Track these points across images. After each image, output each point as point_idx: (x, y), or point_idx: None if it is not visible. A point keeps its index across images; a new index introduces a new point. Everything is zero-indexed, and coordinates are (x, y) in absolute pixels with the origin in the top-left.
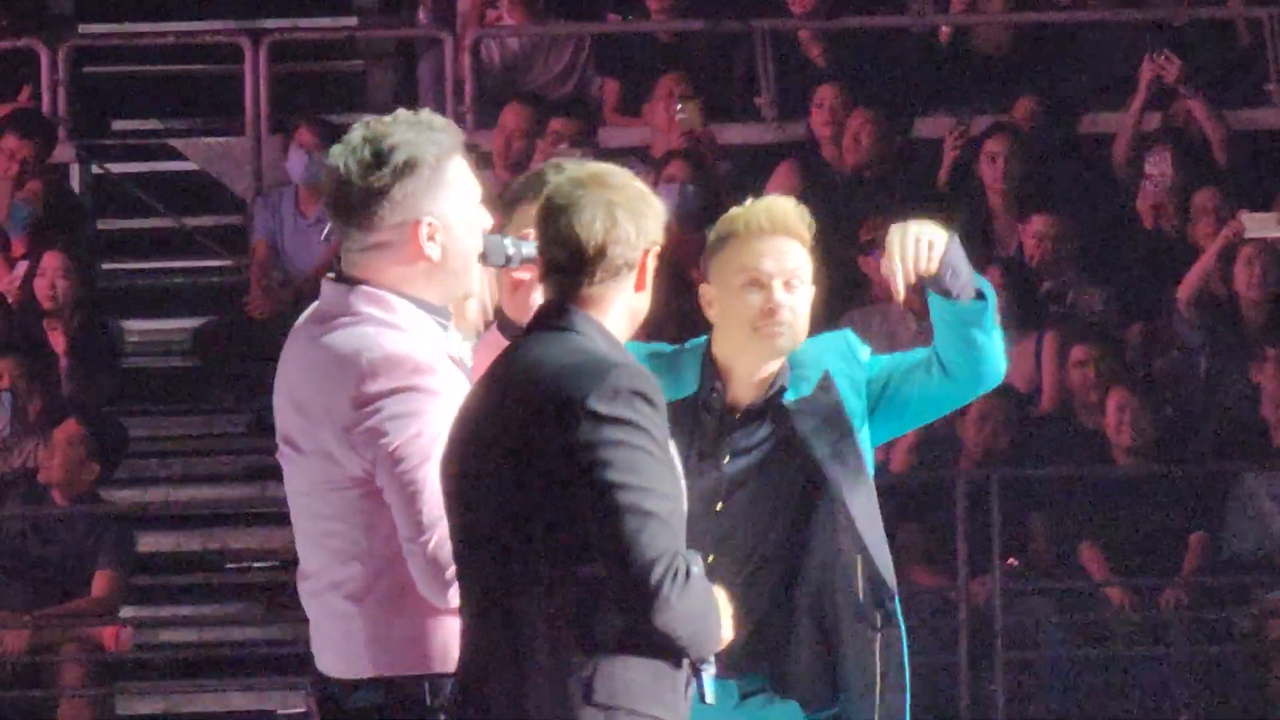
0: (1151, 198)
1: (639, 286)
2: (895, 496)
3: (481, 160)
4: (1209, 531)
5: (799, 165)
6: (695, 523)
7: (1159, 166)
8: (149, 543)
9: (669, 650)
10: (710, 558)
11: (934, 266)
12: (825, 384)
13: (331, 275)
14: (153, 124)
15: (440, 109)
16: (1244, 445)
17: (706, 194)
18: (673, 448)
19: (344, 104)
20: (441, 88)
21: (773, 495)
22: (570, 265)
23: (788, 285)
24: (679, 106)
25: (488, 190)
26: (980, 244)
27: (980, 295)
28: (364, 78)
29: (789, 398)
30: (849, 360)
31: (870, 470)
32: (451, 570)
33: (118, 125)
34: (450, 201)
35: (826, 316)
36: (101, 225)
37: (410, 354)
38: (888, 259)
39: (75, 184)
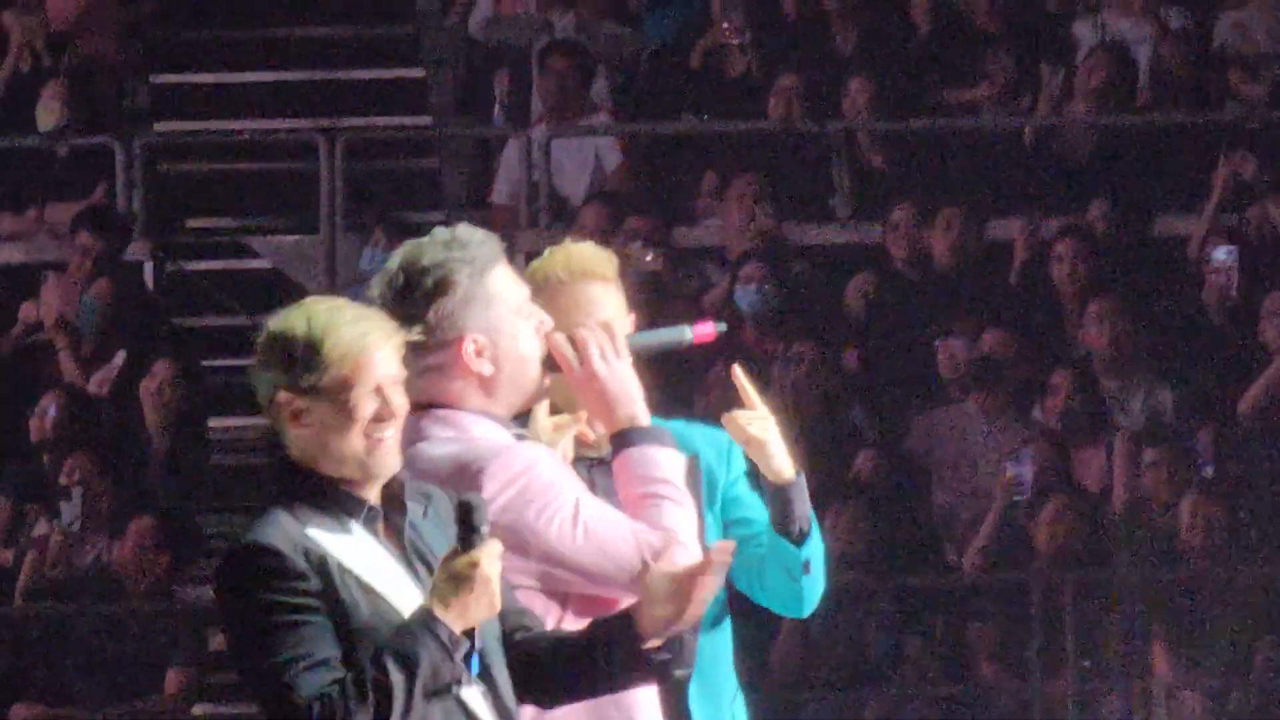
0: (1217, 292)
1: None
2: (969, 596)
3: None
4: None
5: (875, 270)
6: None
7: (1223, 259)
8: (222, 641)
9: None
10: None
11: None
12: (691, 467)
13: None
14: (227, 221)
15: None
16: None
17: (782, 295)
18: None
19: (419, 202)
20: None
21: None
22: None
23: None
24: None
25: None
26: (1053, 346)
27: (804, 538)
28: (439, 175)
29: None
30: (720, 461)
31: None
32: None
33: (192, 223)
34: (494, 314)
35: (896, 414)
36: (175, 323)
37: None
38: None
39: (149, 281)
